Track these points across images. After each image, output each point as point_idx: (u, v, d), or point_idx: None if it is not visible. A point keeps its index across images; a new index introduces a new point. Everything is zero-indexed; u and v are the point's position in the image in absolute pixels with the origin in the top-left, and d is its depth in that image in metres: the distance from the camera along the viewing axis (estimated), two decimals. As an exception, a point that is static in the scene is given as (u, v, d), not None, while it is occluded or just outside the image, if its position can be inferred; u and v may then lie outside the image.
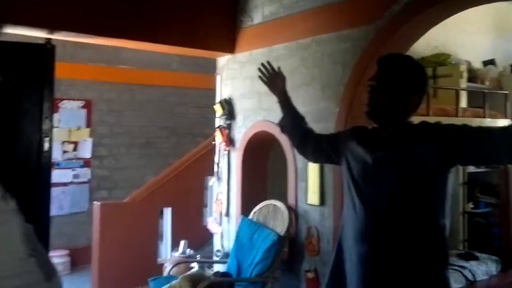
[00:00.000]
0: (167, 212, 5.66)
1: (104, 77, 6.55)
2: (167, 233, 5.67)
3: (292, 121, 2.39)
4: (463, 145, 1.81)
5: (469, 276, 3.78)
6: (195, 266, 4.46)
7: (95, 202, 5.26)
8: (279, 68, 2.50)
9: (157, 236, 5.47)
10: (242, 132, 4.45)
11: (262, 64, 2.49)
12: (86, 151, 6.43)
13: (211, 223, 4.79)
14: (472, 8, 3.69)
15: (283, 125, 2.43)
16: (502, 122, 4.56)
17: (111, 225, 5.12)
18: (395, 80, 1.88)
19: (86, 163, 6.43)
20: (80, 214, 6.24)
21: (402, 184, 1.87)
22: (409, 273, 1.85)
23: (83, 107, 6.42)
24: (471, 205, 4.77)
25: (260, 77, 2.50)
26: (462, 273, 3.76)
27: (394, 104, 1.89)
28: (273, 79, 2.47)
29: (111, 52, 6.31)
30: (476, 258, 4.04)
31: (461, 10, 3.21)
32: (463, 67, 4.69)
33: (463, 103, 4.60)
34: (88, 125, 6.47)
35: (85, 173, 6.42)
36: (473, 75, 4.95)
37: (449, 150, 1.82)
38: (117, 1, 3.93)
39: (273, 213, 3.92)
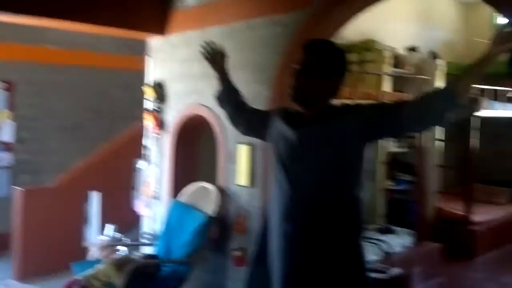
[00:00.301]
0: (94, 196, 5.52)
1: (29, 57, 6.24)
2: (95, 217, 5.52)
3: (229, 93, 2.49)
4: (379, 119, 1.95)
5: (386, 248, 4.00)
6: (123, 249, 4.39)
7: (15, 187, 5.04)
8: (220, 46, 2.60)
9: (84, 220, 5.32)
10: (173, 115, 4.42)
11: (206, 42, 2.59)
12: (7, 135, 6.13)
13: (140, 206, 4.74)
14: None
15: (220, 98, 2.52)
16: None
17: (34, 210, 4.94)
18: (316, 63, 1.99)
19: (7, 147, 6.12)
20: (-1, 199, 5.95)
21: (324, 159, 1.98)
22: (327, 245, 1.97)
23: (4, 89, 6.10)
24: (390, 183, 5.06)
25: (202, 53, 2.57)
26: (379, 246, 3.97)
27: (315, 85, 2.00)
28: (214, 56, 2.55)
29: (36, 31, 5.98)
30: (393, 232, 4.30)
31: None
32: (388, 53, 4.91)
33: (387, 87, 4.83)
34: (11, 108, 6.16)
35: (5, 158, 6.12)
36: (397, 61, 5.20)
37: (368, 126, 1.95)
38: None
39: (203, 195, 3.95)
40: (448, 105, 1.81)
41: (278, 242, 2.04)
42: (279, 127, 2.14)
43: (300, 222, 1.99)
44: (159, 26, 4.46)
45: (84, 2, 3.98)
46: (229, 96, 2.50)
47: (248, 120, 2.44)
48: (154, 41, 4.68)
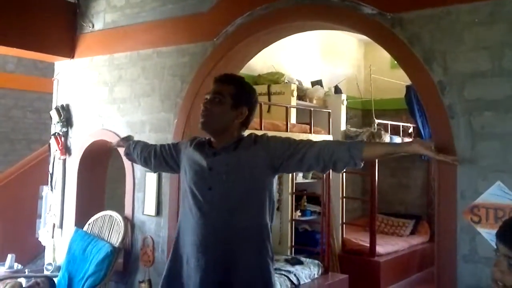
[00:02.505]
0: (-6, 225, 5.20)
1: None
2: (-7, 248, 5.20)
3: (133, 146, 2.67)
4: (286, 154, 2.10)
5: (294, 280, 4.08)
6: (22, 281, 4.16)
7: None
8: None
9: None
10: (79, 140, 4.29)
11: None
12: None
13: (43, 235, 4.53)
14: (304, 33, 4.06)
15: (129, 153, 2.70)
16: (325, 138, 5.04)
17: None
18: (226, 93, 2.14)
19: None
20: None
21: (233, 188, 2.10)
22: (239, 272, 2.08)
23: None
24: (298, 213, 5.18)
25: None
26: (288, 277, 4.05)
27: (225, 115, 2.13)
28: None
29: None
30: (301, 263, 4.38)
31: (290, 34, 3.52)
32: (294, 86, 5.11)
33: (293, 119, 4.99)
34: None
35: None
36: (302, 94, 5.40)
37: (274, 158, 2.11)
38: None
39: (108, 224, 3.85)
40: (349, 159, 2.04)
41: (194, 269, 2.11)
42: (191, 155, 2.23)
43: (215, 252, 2.08)
44: (68, 49, 4.35)
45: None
46: (134, 149, 2.64)
47: (155, 161, 2.49)
48: (62, 64, 4.54)
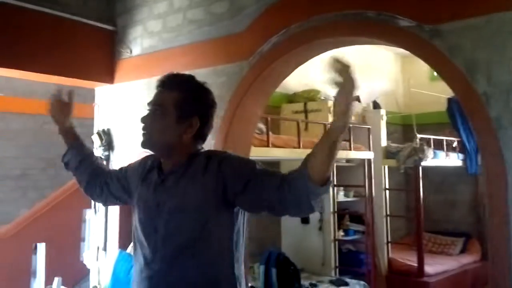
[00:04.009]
0: (41, 248, 5.32)
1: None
2: (41, 270, 5.31)
3: (79, 156, 2.02)
4: (238, 187, 1.60)
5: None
6: (68, 304, 4.23)
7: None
8: (70, 92, 2.11)
9: (29, 273, 5.11)
10: (121, 163, 4.35)
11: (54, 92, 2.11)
12: (-50, 184, 5.90)
13: (88, 258, 4.59)
14: (339, 49, 4.02)
15: (67, 162, 2.05)
16: (366, 155, 4.95)
17: (-25, 264, 4.71)
18: (168, 103, 1.67)
19: (-50, 197, 5.88)
20: None
21: (178, 229, 1.63)
22: None
23: None
24: (341, 233, 5.06)
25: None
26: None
27: (168, 130, 1.67)
28: (60, 107, 2.06)
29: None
30: (346, 284, 4.28)
31: (325, 51, 3.48)
32: (331, 103, 5.05)
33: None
34: (-46, 157, 5.96)
35: (-51, 208, 5.87)
36: (340, 110, 5.31)
37: (228, 186, 1.61)
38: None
39: (150, 246, 3.85)
40: (303, 187, 1.46)
41: None
42: (139, 186, 1.79)
43: None
44: (107, 75, 4.46)
45: (32, 52, 3.95)
46: (79, 161, 2.01)
47: (104, 189, 1.97)
48: (102, 90, 4.65)
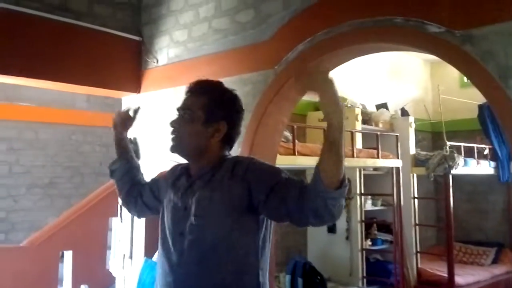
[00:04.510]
0: (68, 256, 5.38)
1: (3, 114, 6.23)
2: (67, 277, 5.36)
3: (126, 166, 2.11)
4: (266, 192, 1.58)
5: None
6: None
7: (-13, 246, 4.89)
8: (137, 109, 2.23)
9: (56, 281, 5.16)
10: (147, 171, 4.37)
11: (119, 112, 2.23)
12: (-21, 193, 6.02)
13: (114, 266, 4.62)
14: (365, 56, 3.97)
15: (114, 170, 2.13)
16: (394, 163, 4.86)
17: (3, 271, 4.76)
18: (197, 107, 1.71)
19: (-21, 206, 6.00)
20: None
21: (204, 234, 1.64)
22: None
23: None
24: (369, 242, 4.98)
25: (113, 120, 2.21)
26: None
27: (197, 133, 1.71)
28: (124, 121, 2.17)
29: (11, 89, 6.03)
30: (374, 295, 4.20)
31: (352, 58, 3.44)
32: (358, 110, 4.99)
33: (359, 144, 4.86)
34: (-16, 165, 6.09)
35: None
36: (367, 118, 5.27)
37: (253, 192, 1.61)
38: (18, 41, 3.81)
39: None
40: (318, 193, 1.44)
41: None
42: (168, 193, 1.81)
43: None
44: (134, 84, 4.51)
45: (60, 63, 4.02)
46: (124, 171, 2.09)
47: (138, 201, 2.03)
48: (129, 99, 4.69)
